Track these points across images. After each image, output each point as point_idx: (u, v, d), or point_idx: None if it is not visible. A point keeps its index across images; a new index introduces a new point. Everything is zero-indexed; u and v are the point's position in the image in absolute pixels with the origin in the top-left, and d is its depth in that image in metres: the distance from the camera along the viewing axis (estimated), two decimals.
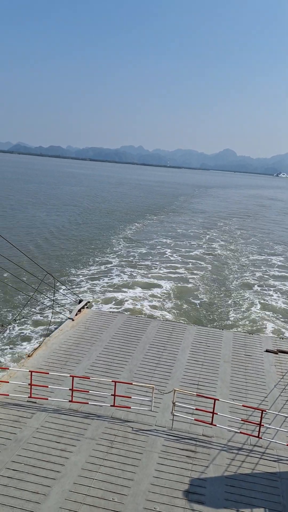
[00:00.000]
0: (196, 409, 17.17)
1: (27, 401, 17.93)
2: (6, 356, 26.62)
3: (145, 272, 50.93)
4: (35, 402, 17.91)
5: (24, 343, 28.71)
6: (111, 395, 17.79)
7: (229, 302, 42.41)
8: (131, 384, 18.68)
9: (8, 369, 20.64)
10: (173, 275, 50.78)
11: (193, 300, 41.93)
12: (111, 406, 17.67)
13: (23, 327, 31.54)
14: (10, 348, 27.74)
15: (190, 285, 47.12)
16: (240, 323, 36.39)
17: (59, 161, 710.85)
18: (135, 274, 49.96)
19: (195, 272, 53.25)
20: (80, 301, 30.80)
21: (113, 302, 39.92)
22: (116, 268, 51.92)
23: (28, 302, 34.47)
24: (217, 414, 16.52)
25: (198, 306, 40.35)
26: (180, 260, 59.17)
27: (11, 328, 30.90)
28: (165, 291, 44.19)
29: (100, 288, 43.61)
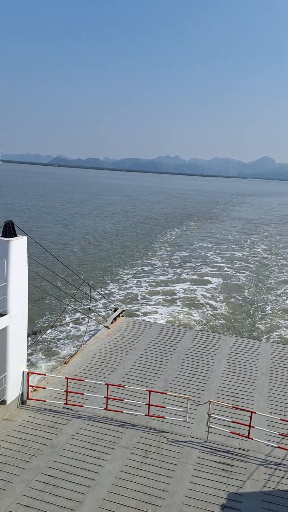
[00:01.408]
0: (232, 421, 16.84)
1: (63, 407, 18.08)
2: (42, 362, 27.10)
3: (189, 271, 53.87)
4: (70, 409, 18.00)
5: (61, 350, 28.98)
6: (146, 404, 17.72)
7: (271, 300, 44.51)
8: (166, 394, 18.48)
9: (45, 375, 21.05)
10: (216, 274, 53.47)
11: (237, 296, 44.53)
12: (145, 415, 17.60)
13: (59, 334, 31.92)
14: (47, 355, 28.16)
15: (233, 283, 49.69)
16: (281, 329, 37.03)
17: (97, 172, 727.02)
18: (179, 272, 53.01)
19: (238, 272, 55.62)
20: (116, 309, 31.05)
21: (160, 293, 42.80)
22: (160, 268, 55.10)
23: (65, 310, 35.24)
24: (254, 427, 16.16)
25: (242, 302, 42.93)
26: (223, 261, 61.61)
27: (48, 335, 31.41)
28: (212, 287, 46.93)
29: (146, 284, 46.95)
